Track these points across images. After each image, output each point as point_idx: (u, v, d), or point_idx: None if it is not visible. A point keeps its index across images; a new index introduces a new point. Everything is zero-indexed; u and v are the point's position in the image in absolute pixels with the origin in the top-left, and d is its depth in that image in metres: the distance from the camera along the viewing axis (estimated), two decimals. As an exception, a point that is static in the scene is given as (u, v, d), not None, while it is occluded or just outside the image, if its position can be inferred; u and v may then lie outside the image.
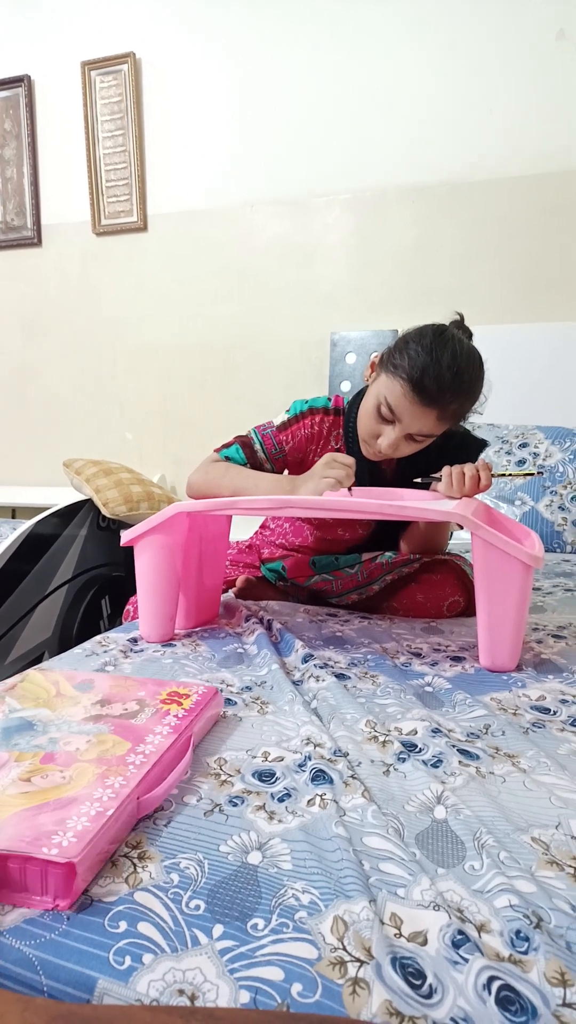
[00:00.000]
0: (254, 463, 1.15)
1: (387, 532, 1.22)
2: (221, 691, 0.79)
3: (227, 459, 1.16)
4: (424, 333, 1.00)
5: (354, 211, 2.19)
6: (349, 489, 1.00)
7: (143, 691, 0.70)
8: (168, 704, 0.67)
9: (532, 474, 1.03)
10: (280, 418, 1.17)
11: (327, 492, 0.98)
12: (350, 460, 0.99)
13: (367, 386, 1.10)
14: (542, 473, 1.08)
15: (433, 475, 1.04)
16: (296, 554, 1.25)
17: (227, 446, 1.16)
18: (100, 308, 2.52)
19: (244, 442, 1.16)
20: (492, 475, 0.99)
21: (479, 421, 1.88)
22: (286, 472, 1.19)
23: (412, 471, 1.11)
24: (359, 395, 1.14)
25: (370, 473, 1.14)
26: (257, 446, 1.15)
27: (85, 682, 0.72)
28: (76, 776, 0.53)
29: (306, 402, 1.16)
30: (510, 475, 1.04)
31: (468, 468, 0.98)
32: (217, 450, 1.17)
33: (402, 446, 1.04)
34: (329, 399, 1.17)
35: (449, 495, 0.99)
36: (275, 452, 1.15)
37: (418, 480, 1.09)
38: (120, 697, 0.68)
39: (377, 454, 1.07)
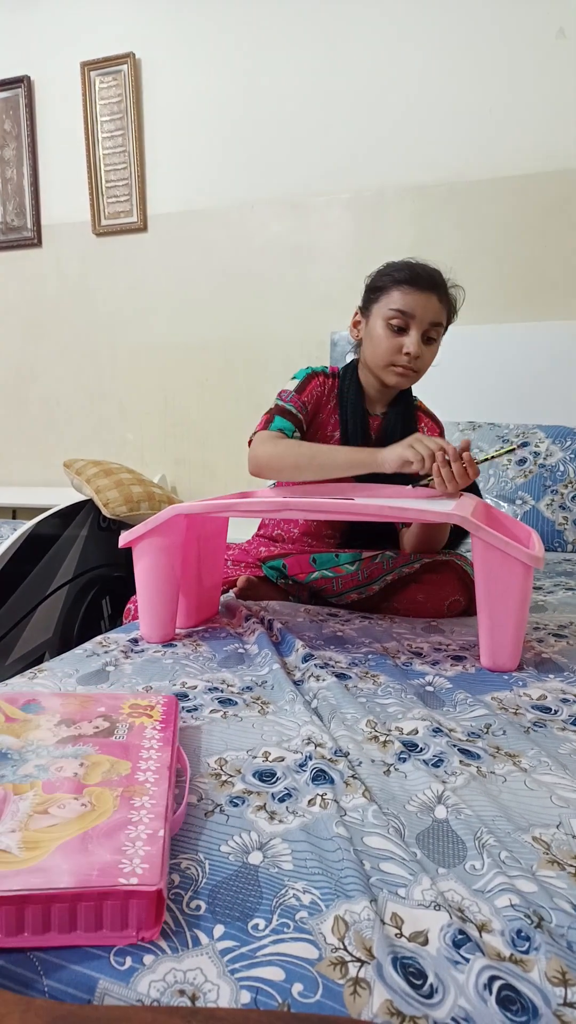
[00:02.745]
0: (298, 426, 1.21)
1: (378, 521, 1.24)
2: (222, 691, 0.80)
3: (280, 431, 1.19)
4: (388, 262, 1.18)
5: (353, 210, 2.19)
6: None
7: (102, 707, 0.66)
8: (138, 718, 0.63)
9: (512, 450, 1.10)
10: (291, 384, 1.24)
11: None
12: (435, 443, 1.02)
13: (357, 359, 1.24)
14: (522, 446, 1.14)
15: (427, 477, 1.06)
16: (290, 545, 1.28)
17: (268, 421, 1.20)
18: (100, 308, 2.52)
19: (281, 411, 1.21)
20: (477, 462, 1.03)
21: (481, 420, 1.89)
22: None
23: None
24: (351, 364, 1.26)
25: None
26: (292, 411, 1.21)
27: (30, 703, 0.67)
28: (96, 802, 0.49)
29: (310, 367, 1.27)
30: (492, 457, 1.11)
31: (447, 446, 1.00)
32: (262, 427, 1.20)
33: (424, 353, 1.15)
34: (326, 367, 1.28)
35: (444, 493, 1.01)
36: (304, 413, 1.22)
37: (411, 486, 1.12)
38: (81, 715, 0.64)
39: (403, 372, 1.16)
